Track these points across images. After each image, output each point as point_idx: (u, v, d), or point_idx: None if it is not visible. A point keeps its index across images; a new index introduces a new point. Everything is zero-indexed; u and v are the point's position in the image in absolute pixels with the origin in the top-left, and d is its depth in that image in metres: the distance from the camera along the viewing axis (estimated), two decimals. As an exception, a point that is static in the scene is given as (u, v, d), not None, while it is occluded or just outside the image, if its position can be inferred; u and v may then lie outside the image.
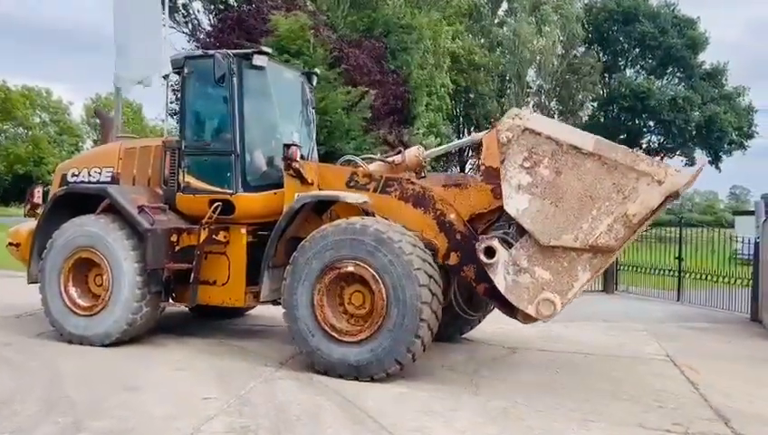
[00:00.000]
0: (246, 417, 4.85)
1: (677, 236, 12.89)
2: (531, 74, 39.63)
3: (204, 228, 7.03)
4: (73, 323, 7.16)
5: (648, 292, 12.86)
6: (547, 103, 40.85)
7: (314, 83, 8.59)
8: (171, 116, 12.99)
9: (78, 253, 7.17)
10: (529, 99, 40.35)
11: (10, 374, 5.87)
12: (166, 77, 7.64)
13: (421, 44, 21.55)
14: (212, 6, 20.07)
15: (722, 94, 39.75)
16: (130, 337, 7.11)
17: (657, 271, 12.92)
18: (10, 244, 8.43)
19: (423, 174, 7.28)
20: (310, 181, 6.84)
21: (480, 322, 7.74)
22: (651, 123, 41.29)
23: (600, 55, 42.64)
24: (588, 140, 5.37)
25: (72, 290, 7.26)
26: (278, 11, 13.43)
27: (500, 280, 5.57)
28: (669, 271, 12.67)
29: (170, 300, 7.35)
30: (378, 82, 15.32)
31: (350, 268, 5.97)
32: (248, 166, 7.16)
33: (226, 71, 6.95)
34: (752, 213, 24.91)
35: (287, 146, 6.91)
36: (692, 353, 7.58)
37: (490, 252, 5.59)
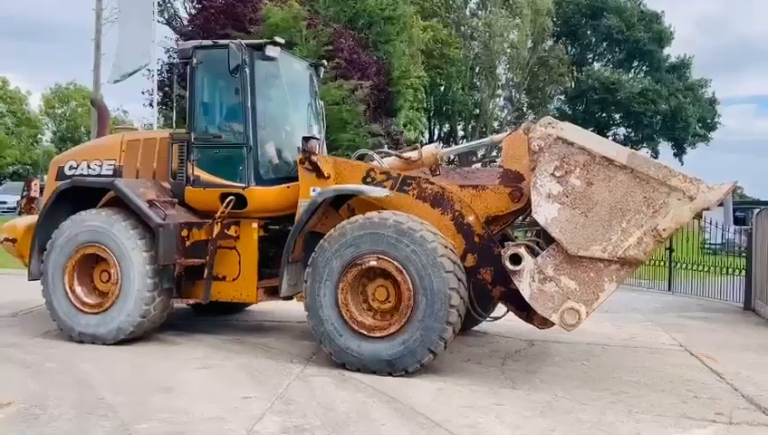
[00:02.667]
0: (296, 416, 4.73)
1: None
2: (500, 67, 40.02)
3: (217, 223, 6.87)
4: (83, 322, 6.92)
5: (638, 282, 13.10)
6: (517, 96, 41.32)
7: (321, 75, 8.46)
8: (158, 105, 12.68)
9: (83, 249, 6.93)
10: (500, 91, 40.76)
11: (31, 377, 5.60)
12: (171, 67, 7.38)
13: (403, 35, 21.47)
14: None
15: (686, 86, 40.80)
16: (144, 331, 6.92)
17: (647, 262, 13.11)
18: (6, 239, 8.06)
19: (438, 172, 7.22)
20: (326, 175, 6.72)
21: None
22: (617, 116, 42.16)
23: (569, 49, 43.31)
24: (621, 153, 5.38)
25: (78, 288, 7.02)
26: (270, 0, 13.18)
27: (525, 287, 5.55)
28: (660, 261, 12.90)
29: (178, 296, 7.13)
30: (369, 74, 15.20)
31: (373, 263, 5.91)
32: (261, 159, 7.01)
33: (240, 61, 6.79)
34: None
35: (306, 139, 6.77)
36: (704, 343, 7.75)
37: (516, 259, 5.57)
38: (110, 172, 7.53)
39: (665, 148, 43.46)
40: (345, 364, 6.01)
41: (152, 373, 5.86)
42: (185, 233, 6.89)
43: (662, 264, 12.90)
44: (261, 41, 7.14)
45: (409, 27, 24.12)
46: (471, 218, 6.21)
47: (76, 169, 7.70)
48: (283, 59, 7.25)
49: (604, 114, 41.93)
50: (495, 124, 40.45)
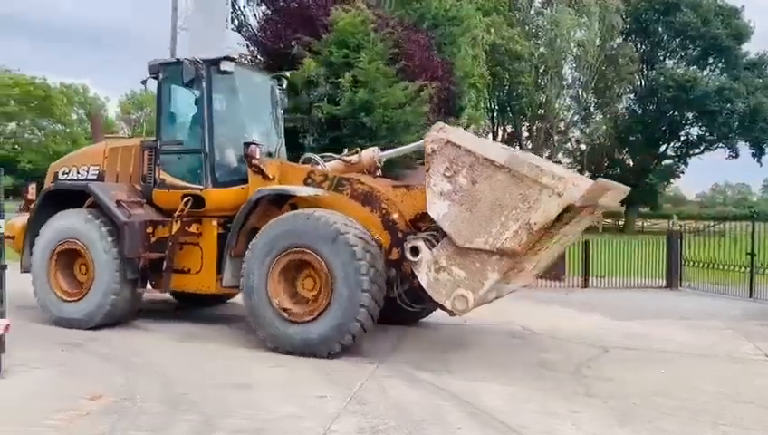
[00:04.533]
0: (371, 417, 4.79)
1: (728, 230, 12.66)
2: (566, 66, 39.10)
3: (176, 221, 7.51)
4: (63, 308, 7.75)
5: (715, 288, 12.56)
6: (584, 96, 40.30)
7: (284, 86, 9.08)
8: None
9: (63, 244, 7.75)
10: (565, 91, 39.87)
11: (118, 372, 5.90)
12: (143, 82, 8.27)
13: (467, 35, 21.33)
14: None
15: (767, 84, 38.79)
16: (116, 318, 7.70)
17: (726, 266, 12.58)
18: (5, 237, 8.74)
19: (378, 174, 7.91)
20: (271, 177, 7.39)
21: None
22: (690, 115, 40.48)
23: (639, 46, 41.91)
24: (501, 154, 5.84)
25: (60, 278, 7.86)
26: (339, 5, 13.33)
27: (423, 277, 6.06)
28: (740, 266, 12.32)
29: (150, 286, 7.93)
30: (438, 76, 15.20)
31: (294, 256, 6.55)
32: (217, 163, 7.68)
33: (194, 75, 7.48)
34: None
35: (247, 144, 7.47)
36: (791, 353, 7.37)
37: (415, 251, 6.09)
38: (95, 176, 8.37)
39: (742, 148, 41.56)
40: (267, 342, 6.66)
41: (229, 370, 6.06)
42: (149, 230, 7.64)
43: (742, 269, 12.31)
44: (217, 57, 7.75)
45: (473, 27, 23.93)
46: (396, 216, 6.76)
47: (68, 173, 8.60)
48: (239, 72, 7.93)
49: (676, 113, 40.32)
50: (561, 125, 39.64)
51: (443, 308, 6.41)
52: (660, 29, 40.98)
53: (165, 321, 8.37)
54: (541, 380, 6.02)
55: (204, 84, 7.59)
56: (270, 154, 8.10)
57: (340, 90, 12.97)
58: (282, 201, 7.29)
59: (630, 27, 40.36)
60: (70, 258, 7.84)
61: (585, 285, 13.02)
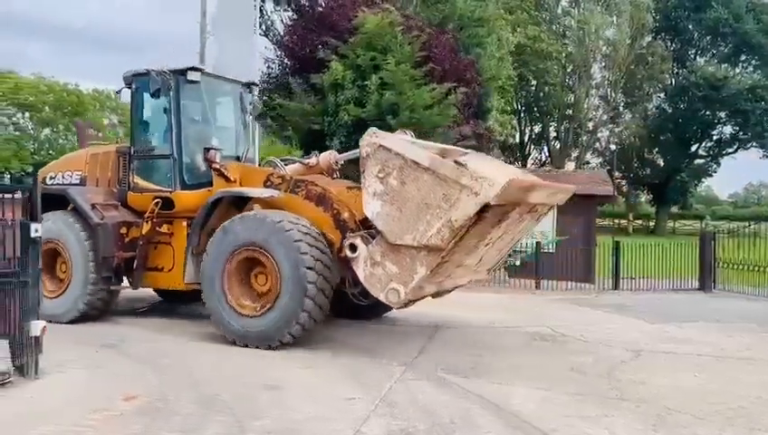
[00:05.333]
0: (400, 420, 4.79)
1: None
2: (595, 65, 38.59)
3: (147, 221, 7.98)
4: (46, 305, 7.91)
5: (750, 290, 12.27)
6: (613, 95, 39.76)
7: (255, 93, 9.39)
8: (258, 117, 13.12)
9: (44, 244, 7.91)
10: (594, 90, 39.37)
11: (151, 373, 5.98)
12: (118, 92, 8.63)
13: (493, 37, 21.20)
14: (286, 5, 20.13)
15: (802, 82, 37.80)
16: (93, 312, 8.18)
17: (761, 268, 12.29)
18: None
19: (335, 175, 8.32)
20: (233, 180, 7.86)
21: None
22: (722, 114, 39.68)
23: (669, 44, 41.23)
24: (425, 157, 6.08)
25: (43, 276, 7.96)
26: (366, 8, 13.34)
27: (360, 271, 6.34)
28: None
29: (126, 283, 8.38)
30: (467, 78, 15.14)
31: (246, 254, 6.96)
32: (185, 167, 8.14)
33: (161, 85, 7.89)
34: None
35: (207, 149, 7.95)
36: (831, 357, 7.17)
37: (353, 247, 6.37)
38: (78, 181, 8.82)
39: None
40: (226, 335, 7.05)
41: (257, 370, 6.11)
42: (123, 230, 8.16)
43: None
44: (184, 67, 8.11)
45: (498, 29, 23.79)
46: (346, 215, 7.13)
47: (54, 178, 9.06)
48: (206, 81, 8.32)
49: (708, 112, 39.54)
50: (590, 125, 39.16)
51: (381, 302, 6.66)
52: (691, 26, 40.31)
53: (188, 322, 8.48)
54: (572, 383, 5.95)
55: (172, 93, 7.98)
56: (238, 158, 8.61)
57: (366, 92, 12.96)
58: (241, 202, 7.63)
59: (660, 25, 39.73)
60: (51, 258, 8.26)
61: (616, 286, 12.86)
